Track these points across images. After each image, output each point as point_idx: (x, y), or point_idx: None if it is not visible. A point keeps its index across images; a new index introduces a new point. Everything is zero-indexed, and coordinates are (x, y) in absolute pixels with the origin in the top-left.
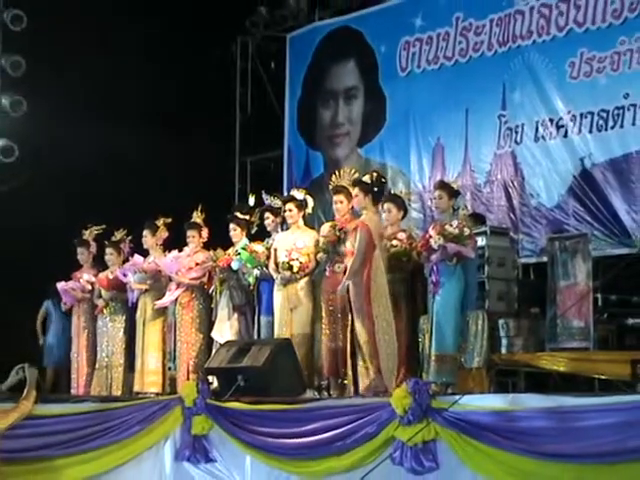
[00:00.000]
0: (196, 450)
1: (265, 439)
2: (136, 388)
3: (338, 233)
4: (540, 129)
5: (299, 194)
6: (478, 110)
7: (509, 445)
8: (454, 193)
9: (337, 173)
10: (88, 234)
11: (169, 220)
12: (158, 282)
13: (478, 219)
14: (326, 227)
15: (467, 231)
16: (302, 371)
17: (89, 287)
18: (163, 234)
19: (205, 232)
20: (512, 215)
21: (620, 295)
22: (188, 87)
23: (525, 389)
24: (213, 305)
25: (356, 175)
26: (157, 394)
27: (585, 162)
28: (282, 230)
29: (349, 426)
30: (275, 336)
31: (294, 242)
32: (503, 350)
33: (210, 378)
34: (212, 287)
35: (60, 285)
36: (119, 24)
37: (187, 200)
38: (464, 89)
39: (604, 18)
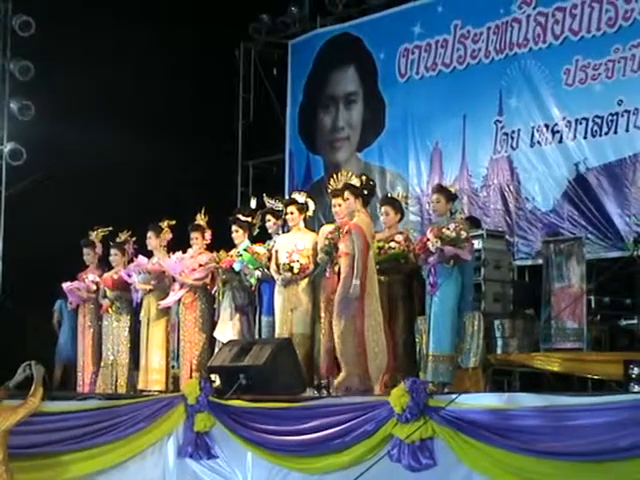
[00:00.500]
0: (198, 447)
1: (266, 436)
2: (140, 386)
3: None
4: (536, 134)
5: (300, 197)
6: (475, 116)
7: (504, 443)
8: (451, 197)
9: (335, 176)
10: (95, 235)
11: (173, 222)
12: (162, 283)
13: (475, 222)
14: (327, 228)
15: (464, 234)
16: (302, 370)
17: (94, 287)
18: (167, 236)
19: (208, 234)
20: (508, 218)
21: (613, 297)
22: (192, 92)
23: (520, 388)
24: (216, 305)
25: (353, 178)
26: (160, 392)
27: (580, 167)
28: (283, 232)
29: (348, 424)
30: (276, 336)
31: (295, 244)
32: (499, 350)
33: (212, 376)
34: (215, 288)
35: (66, 285)
36: (125, 30)
37: (190, 202)
38: (462, 95)
39: (599, 26)
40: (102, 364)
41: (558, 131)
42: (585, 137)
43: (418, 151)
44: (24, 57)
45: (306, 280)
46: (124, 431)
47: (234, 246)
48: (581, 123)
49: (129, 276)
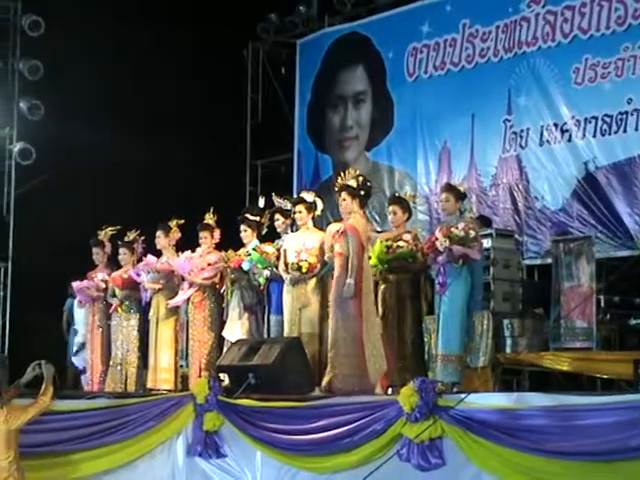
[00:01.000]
0: (207, 446)
1: (275, 435)
2: (149, 385)
3: None
4: (545, 133)
5: (309, 196)
6: (484, 115)
7: (513, 442)
8: (460, 196)
9: (342, 174)
10: (103, 235)
11: (182, 221)
12: (171, 282)
13: (484, 222)
14: (334, 227)
15: (473, 233)
16: (311, 369)
17: (103, 286)
18: (176, 235)
19: (217, 233)
20: (517, 218)
21: (623, 296)
22: (201, 92)
23: (529, 388)
24: (224, 305)
25: (360, 177)
26: (169, 391)
27: (589, 166)
28: (292, 231)
29: (357, 423)
30: (285, 335)
31: (303, 243)
32: (508, 350)
33: (221, 376)
34: (224, 287)
35: (75, 284)
36: (133, 31)
37: (199, 202)
38: (470, 94)
39: (608, 25)
40: (111, 363)
41: (567, 130)
42: (594, 136)
43: (427, 150)
44: (33, 57)
45: (315, 279)
46: (133, 430)
47: (243, 245)
48: (590, 122)
49: (138, 275)
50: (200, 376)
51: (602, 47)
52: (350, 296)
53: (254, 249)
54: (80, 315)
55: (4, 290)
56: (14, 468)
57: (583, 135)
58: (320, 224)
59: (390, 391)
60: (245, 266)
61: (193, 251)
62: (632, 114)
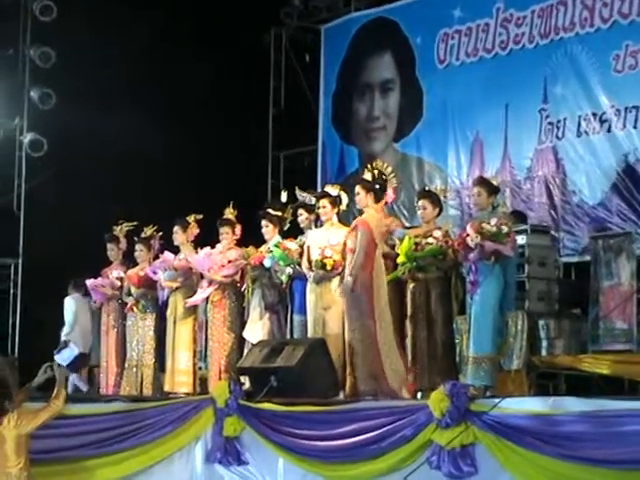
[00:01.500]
0: (228, 452)
1: (299, 441)
2: (166, 388)
3: None
4: (583, 124)
5: (333, 190)
6: (518, 104)
7: (549, 450)
8: (493, 190)
9: (369, 166)
10: (119, 230)
11: (200, 216)
12: (189, 280)
13: (518, 217)
14: None
15: (505, 229)
16: (336, 371)
17: (118, 283)
18: (194, 230)
19: (238, 229)
20: (553, 213)
21: None
22: (220, 80)
23: (566, 392)
24: (245, 304)
25: (388, 169)
26: (187, 394)
27: (629, 158)
28: (316, 227)
29: (385, 428)
30: (308, 336)
31: (327, 239)
32: (543, 352)
33: (242, 378)
34: (244, 285)
35: (89, 282)
36: (150, 15)
37: (219, 196)
38: (504, 82)
39: None
40: (126, 365)
41: (606, 120)
42: (635, 126)
43: (458, 141)
44: (45, 43)
45: (339, 277)
46: (150, 435)
47: (264, 242)
48: (631, 111)
49: (154, 273)
50: (220, 379)
51: None
52: (346, 293)
53: (276, 245)
54: (69, 310)
55: (14, 288)
56: (25, 475)
57: (623, 125)
58: (346, 219)
59: (420, 395)
60: (267, 263)
61: (212, 247)
62: None
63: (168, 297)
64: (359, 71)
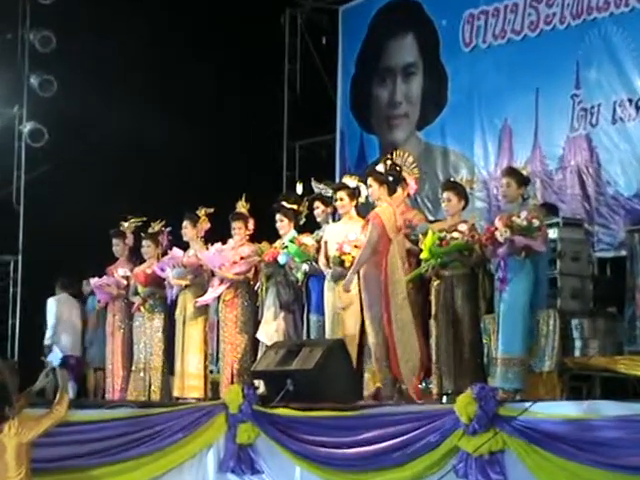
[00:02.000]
0: (241, 460)
1: (317, 449)
2: (176, 393)
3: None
4: (618, 110)
5: (351, 181)
6: (549, 89)
7: (583, 456)
8: (523, 181)
9: (390, 156)
10: (127, 226)
11: (211, 210)
12: (199, 277)
13: (549, 209)
14: None
15: (537, 222)
16: (356, 374)
17: (125, 282)
18: (204, 225)
19: (251, 223)
20: (587, 205)
21: None
22: (231, 64)
23: (601, 396)
24: (259, 303)
25: (410, 159)
26: (198, 399)
27: None
28: (333, 221)
29: (409, 435)
30: (326, 337)
31: (346, 234)
32: (577, 353)
33: (256, 382)
34: (258, 283)
35: (94, 281)
36: None
37: (230, 188)
38: (534, 66)
39: None
40: (133, 368)
41: None
42: None
43: (485, 129)
44: (45, 26)
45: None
46: (159, 443)
47: (278, 237)
48: None
49: (163, 270)
50: (232, 383)
51: None
52: (346, 291)
53: (291, 241)
54: (50, 313)
55: (14, 286)
56: None
57: None
58: (365, 213)
59: (445, 399)
60: (281, 260)
61: (224, 243)
62: None
63: (177, 296)
64: (379, 55)
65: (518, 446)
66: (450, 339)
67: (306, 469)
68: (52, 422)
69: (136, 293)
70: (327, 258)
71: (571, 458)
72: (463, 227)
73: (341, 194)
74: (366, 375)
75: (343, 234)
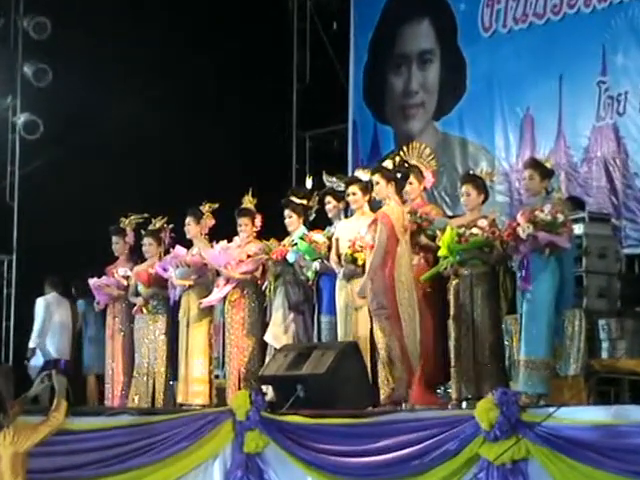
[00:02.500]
0: (249, 470)
1: (329, 457)
2: (179, 399)
3: (419, 220)
4: None
5: (364, 175)
6: (574, 76)
7: (611, 464)
8: (547, 173)
9: (405, 149)
10: (127, 223)
11: (216, 206)
12: (204, 277)
13: (575, 203)
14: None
15: (561, 217)
16: (371, 379)
17: (125, 283)
18: (209, 222)
19: (258, 219)
20: (614, 198)
21: None
22: (238, 51)
23: (630, 400)
24: (267, 304)
25: (427, 151)
26: (204, 406)
27: None
28: (345, 217)
29: (427, 442)
30: (339, 339)
31: (358, 231)
32: (604, 355)
33: (265, 388)
34: (265, 283)
35: (92, 282)
36: None
37: (237, 182)
38: (557, 52)
39: None
40: (135, 373)
41: None
42: None
43: (506, 119)
44: (39, 12)
45: None
46: (162, 452)
47: (287, 234)
48: None
49: (165, 270)
50: (239, 388)
51: None
52: (362, 296)
53: (301, 238)
54: (38, 314)
55: (8, 287)
56: None
57: None
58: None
59: (465, 405)
60: (290, 258)
61: (230, 241)
62: None
63: (180, 297)
64: (394, 41)
65: (542, 454)
66: (470, 341)
67: (317, 479)
68: (50, 430)
69: (137, 294)
70: (339, 256)
71: (598, 466)
72: (483, 222)
73: (353, 188)
74: (380, 378)
75: (355, 230)
